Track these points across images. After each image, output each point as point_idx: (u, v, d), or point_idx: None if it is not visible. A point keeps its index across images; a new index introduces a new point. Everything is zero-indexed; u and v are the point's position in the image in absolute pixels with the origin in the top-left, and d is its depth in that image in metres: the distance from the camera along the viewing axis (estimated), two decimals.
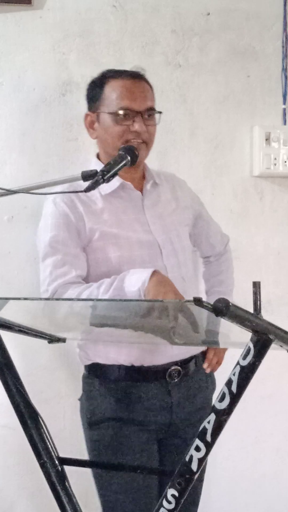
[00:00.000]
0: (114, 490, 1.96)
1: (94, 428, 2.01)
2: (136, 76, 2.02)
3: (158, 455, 2.05)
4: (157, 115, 2.04)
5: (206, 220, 2.27)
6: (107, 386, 2.00)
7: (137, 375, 1.98)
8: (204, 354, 2.13)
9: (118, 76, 2.01)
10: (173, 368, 1.99)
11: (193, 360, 2.05)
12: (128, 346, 1.96)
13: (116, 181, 1.97)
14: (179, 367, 2.00)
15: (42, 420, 1.65)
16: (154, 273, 1.75)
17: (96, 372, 2.02)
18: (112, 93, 1.98)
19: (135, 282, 1.76)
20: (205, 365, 2.10)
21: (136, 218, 2.02)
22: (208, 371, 2.10)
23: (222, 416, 1.42)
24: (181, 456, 1.99)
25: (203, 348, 2.09)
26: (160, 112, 2.04)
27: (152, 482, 1.99)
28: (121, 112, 1.96)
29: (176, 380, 2.00)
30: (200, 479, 2.04)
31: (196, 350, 2.07)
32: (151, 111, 2.00)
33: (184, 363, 2.02)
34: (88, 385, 2.05)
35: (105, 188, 1.95)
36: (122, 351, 1.97)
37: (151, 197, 2.07)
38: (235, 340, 1.44)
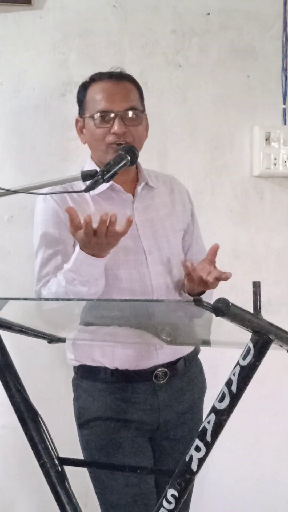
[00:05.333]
0: (111, 489, 1.97)
1: (84, 428, 2.03)
2: (117, 77, 1.99)
3: (151, 455, 2.05)
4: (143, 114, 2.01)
5: (194, 234, 2.18)
6: (94, 387, 2.01)
7: (123, 377, 1.98)
8: (194, 354, 2.12)
9: (99, 79, 1.99)
10: (159, 370, 1.99)
11: (181, 360, 2.04)
12: (112, 351, 1.96)
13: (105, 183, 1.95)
14: (165, 369, 2.00)
15: (42, 420, 1.65)
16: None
17: (83, 374, 2.04)
18: (92, 97, 1.98)
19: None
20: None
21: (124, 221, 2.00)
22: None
23: (222, 416, 1.42)
24: (173, 456, 2.00)
25: (191, 348, 2.07)
26: (143, 112, 2.01)
27: (149, 480, 2.00)
28: (98, 114, 1.94)
29: (163, 381, 2.00)
30: None
31: (184, 350, 2.05)
32: (132, 110, 1.96)
33: (171, 364, 2.01)
34: (77, 386, 2.06)
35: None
36: (106, 355, 1.97)
37: (143, 201, 2.04)
38: (235, 340, 1.44)
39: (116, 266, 1.94)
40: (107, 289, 1.91)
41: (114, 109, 1.94)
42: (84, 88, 2.02)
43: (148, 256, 1.99)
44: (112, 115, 1.94)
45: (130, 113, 1.95)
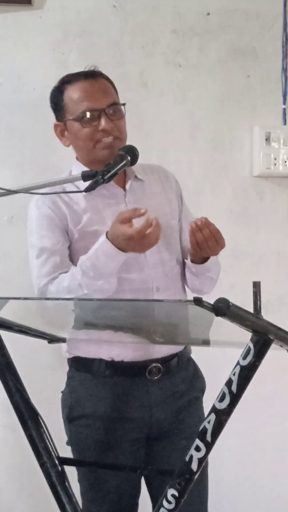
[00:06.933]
0: (95, 488, 1.98)
1: (74, 423, 2.02)
2: (91, 76, 2.00)
3: (143, 453, 2.04)
4: (123, 107, 2.01)
5: (187, 219, 2.14)
6: (87, 381, 2.01)
7: (116, 370, 1.98)
8: (187, 353, 2.09)
9: (73, 80, 1.99)
10: (153, 365, 1.99)
11: (175, 358, 2.03)
12: (109, 341, 1.96)
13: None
14: (159, 365, 1.99)
15: (42, 420, 1.65)
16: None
17: (77, 366, 2.04)
18: (71, 99, 1.98)
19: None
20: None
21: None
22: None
23: (222, 416, 1.42)
24: (170, 455, 1.99)
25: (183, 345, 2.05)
26: (123, 104, 2.01)
27: (135, 481, 2.00)
28: (83, 114, 1.95)
29: (156, 377, 1.99)
30: (202, 479, 2.02)
31: (178, 347, 2.03)
32: (114, 105, 1.97)
33: (165, 360, 2.00)
34: (70, 379, 2.06)
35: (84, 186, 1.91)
36: (103, 346, 1.97)
37: (134, 193, 2.04)
38: (235, 340, 1.44)
39: None
40: None
41: (97, 107, 1.95)
42: (59, 92, 2.01)
43: None
44: (97, 113, 1.94)
45: (113, 108, 1.96)
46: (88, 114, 1.94)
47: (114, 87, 2.04)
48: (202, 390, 2.12)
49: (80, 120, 1.95)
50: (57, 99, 2.02)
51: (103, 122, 1.94)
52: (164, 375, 2.00)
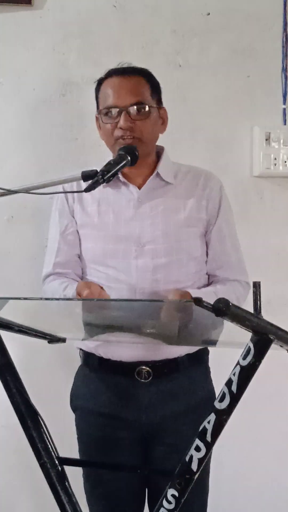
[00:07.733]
0: (90, 481, 2.02)
1: (75, 413, 2.11)
2: (126, 72, 2.01)
3: (141, 454, 2.03)
4: (155, 108, 2.03)
5: (219, 232, 2.09)
6: (85, 375, 2.06)
7: (108, 367, 2.00)
8: (196, 358, 2.05)
9: (109, 75, 2.02)
10: (142, 367, 1.97)
11: (171, 363, 1.99)
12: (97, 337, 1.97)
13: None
14: (149, 368, 1.97)
15: (42, 420, 1.65)
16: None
17: (81, 359, 2.11)
18: (103, 94, 2.01)
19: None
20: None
21: (124, 211, 2.00)
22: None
23: (222, 416, 1.42)
24: (165, 463, 1.98)
25: (182, 351, 2.00)
26: (154, 106, 2.01)
27: (134, 479, 2.02)
28: (105, 110, 1.97)
29: (146, 380, 1.97)
30: (202, 479, 2.01)
31: (171, 352, 1.99)
32: (138, 105, 1.96)
33: (157, 364, 1.97)
34: (78, 369, 2.13)
35: None
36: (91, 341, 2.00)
37: (152, 194, 2.02)
38: (235, 340, 1.44)
39: (103, 254, 1.98)
40: (96, 275, 1.99)
41: (119, 104, 1.96)
42: (98, 85, 2.04)
43: (139, 247, 1.98)
44: (118, 110, 1.95)
45: (135, 108, 1.96)
46: (109, 111, 1.97)
47: (153, 86, 2.03)
48: (207, 397, 2.03)
49: (104, 115, 1.98)
50: (96, 92, 2.06)
51: (121, 120, 1.94)
52: (156, 379, 1.97)
